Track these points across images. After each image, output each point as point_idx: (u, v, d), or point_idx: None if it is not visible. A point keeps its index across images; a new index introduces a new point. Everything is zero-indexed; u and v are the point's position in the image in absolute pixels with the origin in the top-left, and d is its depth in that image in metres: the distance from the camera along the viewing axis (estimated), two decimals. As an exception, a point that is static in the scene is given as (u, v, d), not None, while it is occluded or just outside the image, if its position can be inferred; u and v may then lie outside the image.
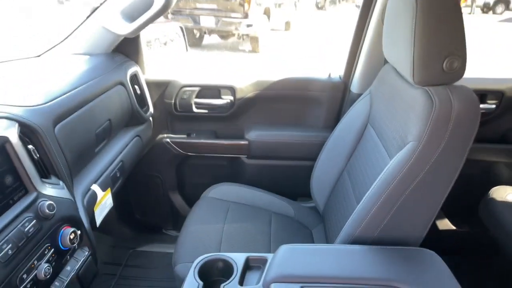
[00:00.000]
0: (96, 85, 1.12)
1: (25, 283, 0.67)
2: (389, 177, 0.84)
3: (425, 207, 0.85)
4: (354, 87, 1.45)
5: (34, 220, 0.71)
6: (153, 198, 1.72)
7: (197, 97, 1.53)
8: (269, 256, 0.86)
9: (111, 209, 1.71)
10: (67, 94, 0.98)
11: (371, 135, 1.14)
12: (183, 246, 1.16)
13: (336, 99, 1.51)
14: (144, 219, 1.79)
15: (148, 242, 1.72)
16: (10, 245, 0.65)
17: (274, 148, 1.54)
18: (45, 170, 0.83)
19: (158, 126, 1.58)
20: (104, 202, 1.10)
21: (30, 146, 0.77)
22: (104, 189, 1.10)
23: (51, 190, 0.79)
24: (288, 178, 1.60)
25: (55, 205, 0.76)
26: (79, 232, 0.82)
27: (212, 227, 1.23)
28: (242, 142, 1.55)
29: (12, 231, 0.67)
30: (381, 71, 1.17)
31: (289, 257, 0.83)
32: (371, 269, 0.79)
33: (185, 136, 1.59)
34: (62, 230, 0.79)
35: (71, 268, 0.82)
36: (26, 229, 0.69)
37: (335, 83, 1.49)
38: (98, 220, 1.06)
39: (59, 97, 0.93)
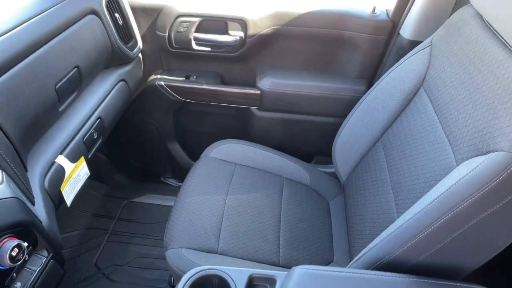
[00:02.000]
0: (53, 18, 0.81)
1: None
2: (460, 193, 0.58)
3: (500, 236, 0.61)
4: (406, 30, 1.08)
5: None
6: (149, 145, 1.50)
7: (197, 31, 1.20)
8: (278, 275, 0.66)
9: (102, 157, 1.52)
10: (5, 36, 0.69)
11: (424, 106, 0.85)
12: (175, 226, 0.97)
13: (378, 43, 1.15)
14: (140, 166, 1.60)
15: (144, 192, 1.56)
16: None
17: (292, 101, 1.25)
18: None
19: (150, 64, 1.27)
20: (76, 175, 0.89)
21: None
22: (74, 160, 0.87)
23: None
24: (306, 137, 1.34)
25: None
26: (25, 244, 0.61)
27: (212, 199, 1.03)
28: (253, 91, 1.26)
29: None
30: (456, 14, 0.81)
31: (304, 286, 0.63)
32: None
33: (183, 79, 1.30)
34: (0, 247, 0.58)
35: (22, 285, 0.64)
36: None
37: (380, 21, 1.12)
38: (69, 199, 0.85)
39: None
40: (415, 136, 0.84)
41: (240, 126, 1.40)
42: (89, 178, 1.43)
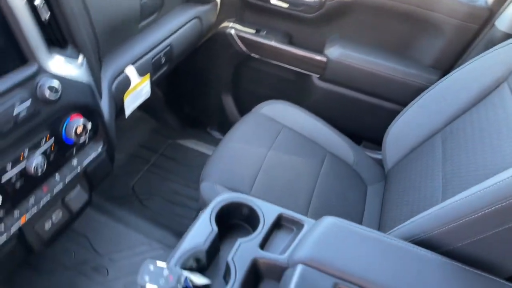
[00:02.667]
0: None
1: (8, 175, 0.55)
2: None
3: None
4: (504, 22, 0.98)
5: (29, 102, 0.55)
6: (204, 94, 1.55)
7: None
8: (307, 221, 0.66)
9: (159, 93, 1.59)
10: None
11: (503, 101, 0.79)
12: (215, 164, 1.00)
13: (466, 32, 1.07)
14: (191, 113, 1.66)
15: (189, 137, 1.61)
16: None
17: (357, 76, 1.22)
18: (60, 37, 0.64)
19: (224, 11, 1.29)
20: (139, 90, 0.94)
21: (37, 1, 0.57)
22: (141, 74, 0.92)
23: (61, 66, 0.62)
24: (360, 117, 1.31)
25: (60, 88, 0.59)
26: (89, 125, 0.66)
27: (254, 150, 1.05)
28: (319, 58, 1.24)
29: None
30: None
31: (332, 236, 0.62)
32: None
33: (253, 31, 1.31)
34: (69, 119, 0.64)
35: (78, 163, 0.70)
36: (15, 112, 0.53)
37: (476, 8, 1.03)
38: (128, 110, 0.91)
39: None
40: (484, 130, 0.79)
41: (297, 93, 1.39)
42: (143, 110, 1.50)
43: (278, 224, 0.66)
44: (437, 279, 0.57)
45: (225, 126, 1.58)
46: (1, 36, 0.52)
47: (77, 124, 0.63)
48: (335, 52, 1.21)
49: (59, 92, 0.59)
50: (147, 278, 0.46)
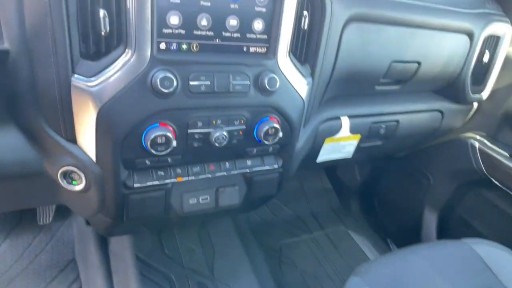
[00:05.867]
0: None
1: (193, 131, 0.59)
2: None
3: None
4: None
5: (247, 81, 0.58)
6: (408, 216, 1.32)
7: None
8: None
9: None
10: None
11: None
12: (377, 267, 0.78)
13: None
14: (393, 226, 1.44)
15: (363, 232, 1.41)
16: None
17: None
18: (303, 55, 0.67)
19: (476, 120, 1.09)
20: (342, 145, 0.87)
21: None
22: (352, 131, 0.86)
23: (292, 71, 0.63)
24: None
25: (278, 85, 0.60)
26: (280, 134, 0.64)
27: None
28: None
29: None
30: None
31: None
32: None
33: (506, 155, 1.02)
34: (268, 118, 0.63)
35: (250, 164, 0.69)
36: (232, 82, 0.57)
37: None
38: (321, 157, 0.86)
39: None
40: None
41: None
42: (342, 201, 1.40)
43: None
44: None
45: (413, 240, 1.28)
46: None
47: (271, 125, 0.62)
48: None
49: (276, 87, 0.59)
50: None
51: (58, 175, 0.58)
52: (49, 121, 0.54)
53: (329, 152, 0.87)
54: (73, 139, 0.56)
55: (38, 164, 0.58)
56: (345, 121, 0.83)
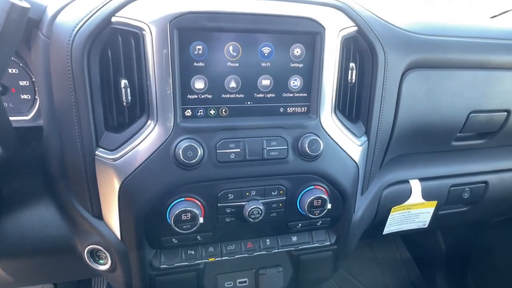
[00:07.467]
0: None
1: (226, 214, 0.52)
2: None
3: None
4: None
5: (284, 145, 0.51)
6: None
7: None
8: None
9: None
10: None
11: None
12: None
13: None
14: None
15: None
16: None
17: None
18: (353, 113, 0.58)
19: None
20: (415, 214, 0.72)
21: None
22: (426, 198, 0.70)
23: (336, 130, 0.54)
24: None
25: (322, 148, 0.51)
26: (328, 205, 0.53)
27: None
28: None
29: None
30: None
31: None
32: None
33: None
34: (313, 187, 0.53)
35: (296, 240, 0.58)
36: (266, 146, 0.50)
37: None
38: (388, 228, 0.71)
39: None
40: None
41: None
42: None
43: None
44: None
45: None
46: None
47: (317, 195, 0.52)
48: None
49: (320, 150, 0.50)
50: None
51: (85, 254, 0.55)
52: (77, 196, 0.52)
53: (398, 222, 0.72)
54: (99, 215, 0.53)
55: (68, 240, 0.56)
56: (416, 185, 0.69)
